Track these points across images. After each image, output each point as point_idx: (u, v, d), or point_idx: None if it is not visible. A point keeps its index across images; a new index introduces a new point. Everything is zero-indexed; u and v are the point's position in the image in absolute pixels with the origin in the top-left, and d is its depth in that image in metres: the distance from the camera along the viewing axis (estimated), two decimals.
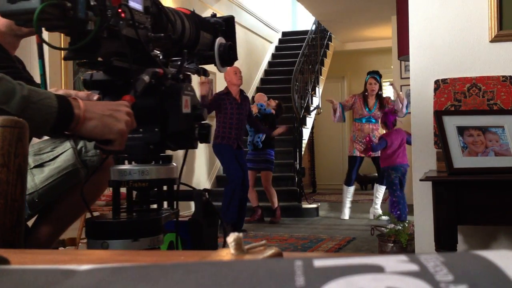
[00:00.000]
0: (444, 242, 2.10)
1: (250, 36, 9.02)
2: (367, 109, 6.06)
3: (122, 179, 1.27)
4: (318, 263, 0.24)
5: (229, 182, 5.51)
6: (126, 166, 1.28)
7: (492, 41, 2.63)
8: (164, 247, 1.35)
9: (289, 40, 10.35)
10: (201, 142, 1.39)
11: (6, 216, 0.84)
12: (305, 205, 6.81)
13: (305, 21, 10.75)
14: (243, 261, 0.27)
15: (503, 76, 2.54)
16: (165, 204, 1.45)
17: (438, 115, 2.28)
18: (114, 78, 1.24)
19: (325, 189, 10.59)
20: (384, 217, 5.00)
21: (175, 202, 1.43)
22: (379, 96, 6.09)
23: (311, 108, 8.56)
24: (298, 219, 6.48)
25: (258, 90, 9.02)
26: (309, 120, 8.55)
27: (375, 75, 6.11)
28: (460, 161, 2.17)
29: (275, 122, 6.32)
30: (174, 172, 1.37)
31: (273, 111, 6.27)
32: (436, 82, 2.62)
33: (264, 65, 9.57)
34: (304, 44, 8.63)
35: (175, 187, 1.41)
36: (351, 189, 6.29)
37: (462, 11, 2.68)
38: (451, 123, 2.25)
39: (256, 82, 9.15)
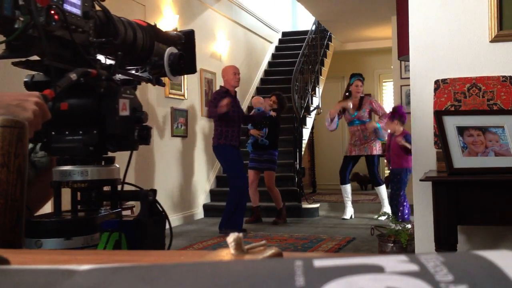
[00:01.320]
0: (444, 242, 2.10)
1: (250, 36, 9.02)
2: (349, 113, 6.13)
3: (63, 180, 1.32)
4: (318, 263, 0.24)
5: (235, 189, 5.36)
6: (67, 167, 1.32)
7: (492, 41, 2.63)
8: (110, 246, 1.38)
9: (289, 40, 10.35)
10: (140, 144, 1.43)
11: (6, 216, 0.84)
12: (305, 205, 6.81)
13: (305, 21, 10.75)
14: (243, 261, 0.27)
15: (503, 76, 2.54)
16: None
17: (438, 115, 2.28)
18: (53, 79, 1.27)
19: (325, 189, 10.59)
20: (383, 217, 5.01)
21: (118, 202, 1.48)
22: (360, 98, 6.14)
23: (311, 108, 8.56)
24: (298, 219, 6.49)
25: (258, 90, 9.02)
26: (309, 120, 8.55)
27: (360, 77, 6.18)
28: (460, 161, 2.17)
29: (277, 122, 6.25)
30: (116, 173, 1.42)
31: (273, 114, 6.20)
32: (436, 82, 2.62)
33: (264, 65, 9.57)
34: (304, 44, 8.63)
35: (119, 187, 1.46)
36: (347, 187, 6.30)
37: (462, 11, 2.68)
38: (451, 123, 2.25)
39: (256, 82, 9.15)
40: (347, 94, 6.18)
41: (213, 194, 7.26)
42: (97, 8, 1.39)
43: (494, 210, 2.09)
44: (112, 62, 1.47)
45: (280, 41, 10.41)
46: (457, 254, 0.24)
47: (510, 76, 2.53)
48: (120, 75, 1.49)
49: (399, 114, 5.40)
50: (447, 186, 2.10)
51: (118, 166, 1.43)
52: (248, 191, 5.48)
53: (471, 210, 2.10)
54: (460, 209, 2.08)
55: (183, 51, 1.66)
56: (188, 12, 6.83)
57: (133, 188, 1.48)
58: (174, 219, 6.31)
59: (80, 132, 1.32)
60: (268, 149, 6.09)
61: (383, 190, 6.08)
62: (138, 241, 1.43)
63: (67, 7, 1.21)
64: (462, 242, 2.60)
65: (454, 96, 2.57)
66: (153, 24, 1.63)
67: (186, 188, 6.67)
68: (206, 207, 7.03)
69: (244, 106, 7.81)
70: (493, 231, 2.65)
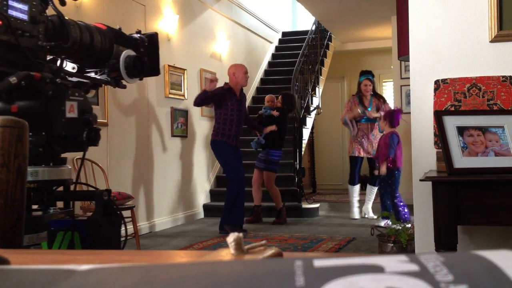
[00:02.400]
0: (444, 242, 2.10)
1: (250, 36, 9.02)
2: (360, 111, 6.08)
3: None
4: (318, 263, 0.24)
5: (232, 182, 5.36)
6: None
7: (492, 41, 2.63)
8: (65, 246, 1.41)
9: (289, 40, 10.35)
10: (89, 145, 1.46)
11: (6, 216, 0.84)
12: (305, 205, 6.81)
13: (305, 21, 10.75)
14: (243, 261, 0.27)
15: (503, 76, 2.54)
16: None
17: (438, 115, 2.28)
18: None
19: (325, 189, 10.59)
20: (384, 221, 5.01)
21: (69, 202, 1.52)
22: (372, 96, 6.09)
23: (311, 108, 8.56)
24: (298, 219, 6.49)
25: (258, 90, 9.02)
26: (309, 120, 8.55)
27: (369, 75, 6.08)
28: (460, 161, 2.17)
29: (279, 121, 6.16)
30: (67, 173, 1.45)
31: (274, 113, 6.16)
32: (436, 82, 2.62)
33: (264, 65, 9.57)
34: (304, 44, 8.63)
35: (72, 187, 1.50)
36: (356, 188, 6.29)
37: (462, 11, 2.68)
38: (451, 123, 2.25)
39: (256, 82, 9.15)
40: (360, 94, 6.10)
41: (213, 194, 7.26)
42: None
43: (494, 210, 2.09)
44: (74, 65, 1.52)
45: (280, 41, 10.41)
46: (457, 254, 0.24)
47: (510, 76, 2.53)
48: (76, 78, 1.54)
49: (392, 117, 5.37)
50: (447, 186, 2.10)
51: (69, 167, 1.47)
52: (244, 184, 5.44)
53: (471, 210, 2.10)
54: (460, 209, 2.08)
55: (146, 54, 1.70)
56: (188, 12, 6.83)
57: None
58: (174, 219, 6.31)
59: (30, 133, 1.36)
60: (266, 148, 6.08)
61: (374, 190, 6.24)
62: (92, 241, 1.46)
63: (12, 12, 1.26)
64: (462, 242, 2.60)
65: (454, 96, 2.57)
66: (117, 28, 1.67)
67: (186, 188, 6.66)
68: (206, 207, 7.03)
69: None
70: (493, 231, 2.65)
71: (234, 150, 5.43)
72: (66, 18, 1.47)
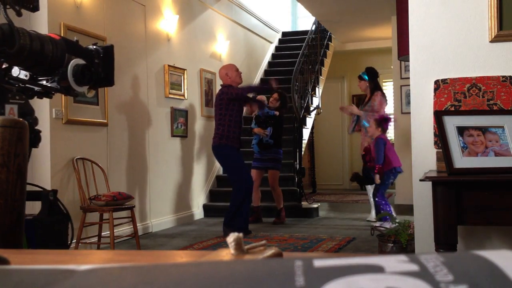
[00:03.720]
0: (444, 242, 2.10)
1: (250, 36, 9.02)
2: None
3: None
4: (318, 263, 0.24)
5: (239, 189, 5.24)
6: None
7: (492, 41, 2.63)
8: None
9: (289, 40, 10.35)
10: (30, 147, 1.51)
11: (6, 216, 0.84)
12: (305, 205, 6.81)
13: (305, 21, 10.76)
14: (243, 261, 0.27)
15: (503, 76, 2.54)
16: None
17: (438, 115, 2.28)
18: None
19: (325, 189, 10.59)
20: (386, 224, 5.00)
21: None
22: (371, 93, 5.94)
23: (311, 108, 8.56)
24: (298, 219, 6.49)
25: None
26: (309, 120, 8.55)
27: (362, 74, 5.96)
28: (460, 161, 2.17)
29: (281, 121, 6.24)
30: None
31: (276, 113, 6.19)
32: (436, 82, 2.62)
33: (264, 65, 9.57)
34: (304, 44, 8.64)
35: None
36: (369, 187, 6.16)
37: (462, 11, 2.68)
38: (451, 123, 2.25)
39: (256, 82, 9.15)
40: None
41: (213, 194, 7.26)
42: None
43: (494, 210, 2.09)
44: (26, 72, 1.60)
45: (280, 41, 10.42)
46: (457, 254, 0.24)
47: (510, 76, 2.53)
48: (28, 85, 1.61)
49: (386, 125, 5.37)
50: (447, 186, 2.10)
51: None
52: (251, 193, 5.41)
53: (471, 210, 2.10)
54: (460, 209, 2.08)
55: (101, 65, 1.78)
56: (188, 12, 6.83)
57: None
58: (174, 219, 6.31)
59: None
60: (272, 148, 6.09)
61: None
62: (38, 240, 1.48)
63: None
64: (462, 242, 2.60)
65: (454, 96, 2.57)
66: (74, 39, 1.75)
67: (186, 188, 6.66)
68: (206, 207, 7.03)
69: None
70: (493, 231, 2.65)
71: (240, 155, 5.38)
72: (17, 27, 1.56)
